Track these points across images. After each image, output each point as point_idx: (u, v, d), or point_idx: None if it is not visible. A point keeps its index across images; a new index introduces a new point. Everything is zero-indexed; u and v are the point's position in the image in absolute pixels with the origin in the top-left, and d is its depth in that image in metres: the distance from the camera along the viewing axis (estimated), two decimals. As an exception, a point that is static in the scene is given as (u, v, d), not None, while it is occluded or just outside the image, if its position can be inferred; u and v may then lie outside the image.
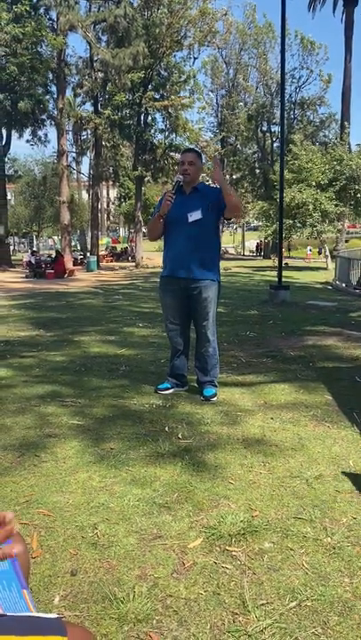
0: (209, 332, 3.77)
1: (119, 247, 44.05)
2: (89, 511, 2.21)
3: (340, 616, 1.60)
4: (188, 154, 3.79)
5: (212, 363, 3.85)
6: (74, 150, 36.18)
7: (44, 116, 26.25)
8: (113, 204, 50.65)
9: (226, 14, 29.16)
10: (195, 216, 3.58)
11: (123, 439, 3.00)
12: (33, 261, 23.05)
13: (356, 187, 24.76)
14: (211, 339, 3.79)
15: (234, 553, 1.92)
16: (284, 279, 10.93)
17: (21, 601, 0.82)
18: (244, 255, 47.64)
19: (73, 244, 34.87)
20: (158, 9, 24.66)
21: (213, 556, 1.90)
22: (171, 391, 3.92)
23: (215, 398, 3.77)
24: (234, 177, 39.17)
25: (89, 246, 31.20)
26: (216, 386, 3.90)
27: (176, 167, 26.64)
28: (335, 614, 1.60)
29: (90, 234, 31.18)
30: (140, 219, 27.97)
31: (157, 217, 3.71)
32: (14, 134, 26.77)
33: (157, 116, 27.28)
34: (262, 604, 1.65)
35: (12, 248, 37.18)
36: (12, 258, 29.85)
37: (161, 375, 4.37)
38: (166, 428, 3.18)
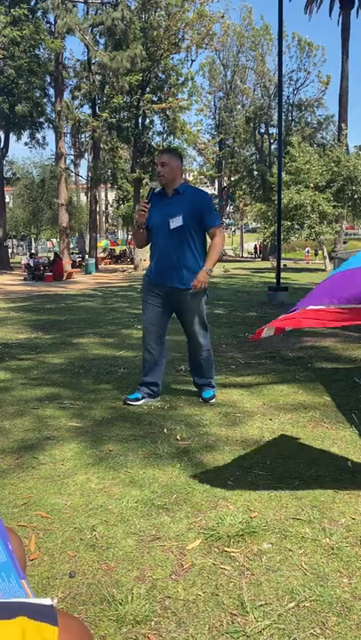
0: (200, 337, 3.68)
1: (118, 249, 44.06)
2: (87, 513, 2.20)
3: (338, 616, 1.59)
4: (162, 155, 3.60)
5: (208, 366, 3.80)
6: (72, 153, 36.25)
7: (41, 119, 26.31)
8: (111, 206, 50.65)
9: (223, 17, 29.19)
10: (176, 222, 3.44)
11: (121, 441, 3.00)
12: (31, 264, 23.02)
13: (354, 188, 24.79)
14: (203, 342, 3.70)
15: (232, 554, 1.92)
16: (282, 281, 10.94)
17: (20, 590, 0.82)
18: (242, 257, 47.68)
19: (71, 246, 34.87)
20: (156, 12, 24.69)
21: (212, 558, 1.90)
22: (141, 402, 3.68)
23: (214, 400, 3.75)
24: (232, 179, 39.21)
25: (87, 249, 31.21)
26: (214, 387, 3.87)
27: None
28: (334, 615, 1.60)
29: (88, 236, 31.19)
30: (139, 221, 27.91)
31: (137, 228, 3.62)
32: (12, 137, 26.84)
33: (155, 118, 27.32)
34: (261, 605, 1.64)
35: (10, 251, 37.17)
36: (11, 260, 29.87)
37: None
38: (165, 430, 3.18)
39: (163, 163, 3.50)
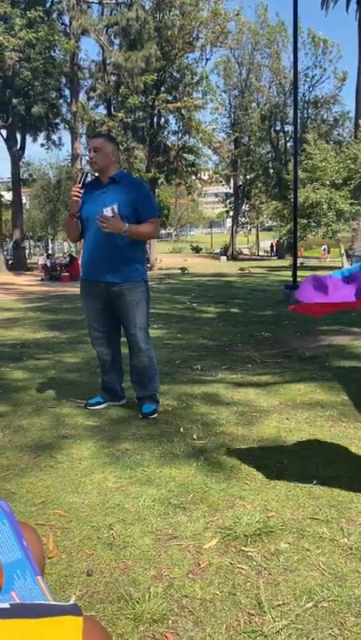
0: (140, 341, 3.36)
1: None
2: (104, 512, 2.21)
3: (357, 617, 1.58)
4: (95, 139, 3.33)
5: (150, 375, 3.46)
6: (88, 154, 36.42)
7: (57, 120, 26.48)
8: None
9: (238, 14, 29.03)
10: (111, 211, 3.20)
11: (137, 440, 3.01)
12: (48, 264, 23.18)
13: (371, 185, 24.51)
14: (144, 347, 3.38)
15: (249, 553, 1.91)
16: (298, 279, 10.87)
17: (36, 587, 0.84)
18: (258, 255, 47.50)
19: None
20: (170, 11, 24.71)
21: (229, 557, 1.90)
22: (103, 406, 3.61)
23: (155, 415, 3.41)
24: (248, 177, 39.08)
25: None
26: (157, 401, 3.52)
27: (189, 168, 26.43)
28: (352, 615, 1.59)
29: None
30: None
31: (69, 216, 3.37)
32: (28, 138, 27.07)
33: (170, 117, 27.35)
34: (278, 605, 1.64)
35: (27, 251, 37.49)
36: (28, 261, 30.13)
37: (175, 377, 4.38)
38: (181, 429, 3.18)
39: (95, 148, 3.25)
